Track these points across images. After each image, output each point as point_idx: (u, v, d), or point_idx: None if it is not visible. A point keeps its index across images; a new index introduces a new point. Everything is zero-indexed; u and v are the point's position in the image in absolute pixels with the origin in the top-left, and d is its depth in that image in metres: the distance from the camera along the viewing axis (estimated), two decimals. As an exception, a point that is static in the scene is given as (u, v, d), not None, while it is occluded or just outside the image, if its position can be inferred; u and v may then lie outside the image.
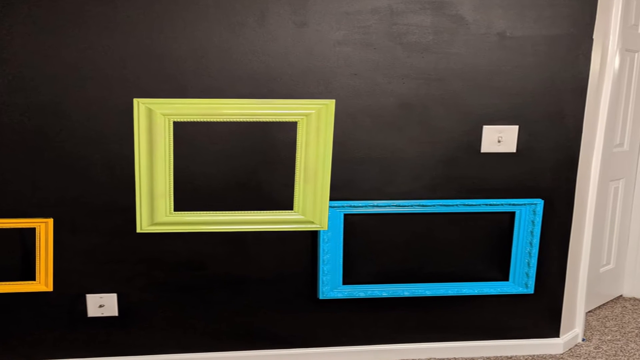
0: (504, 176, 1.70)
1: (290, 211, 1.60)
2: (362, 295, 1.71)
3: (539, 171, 1.71)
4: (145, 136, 1.56)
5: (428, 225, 1.70)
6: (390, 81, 1.60)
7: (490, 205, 1.69)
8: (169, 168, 1.58)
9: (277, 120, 1.56)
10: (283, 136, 1.60)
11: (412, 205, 1.66)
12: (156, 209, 1.60)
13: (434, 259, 1.72)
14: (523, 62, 1.63)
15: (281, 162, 1.61)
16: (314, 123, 1.56)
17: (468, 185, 1.70)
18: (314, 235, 1.66)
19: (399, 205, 1.65)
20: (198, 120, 1.55)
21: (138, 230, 1.61)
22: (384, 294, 1.72)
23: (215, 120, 1.55)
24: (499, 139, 1.65)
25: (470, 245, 1.72)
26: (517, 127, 1.67)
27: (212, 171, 1.62)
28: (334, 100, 1.52)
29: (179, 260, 1.68)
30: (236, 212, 1.60)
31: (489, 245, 1.73)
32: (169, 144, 1.56)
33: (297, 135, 1.57)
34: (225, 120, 1.53)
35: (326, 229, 1.60)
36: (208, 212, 1.60)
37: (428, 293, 1.74)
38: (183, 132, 1.59)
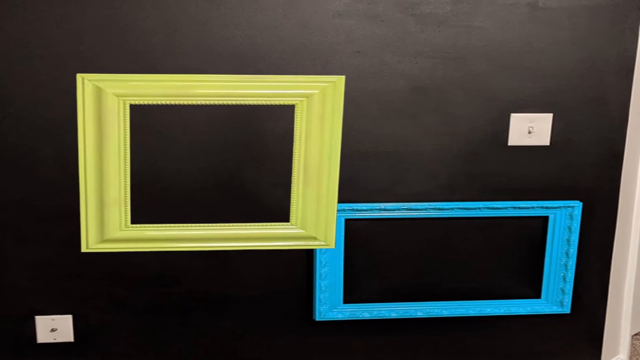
0: (535, 174, 1.64)
1: (285, 224, 1.50)
2: (366, 316, 1.65)
3: (577, 168, 1.64)
4: (93, 124, 1.43)
5: (445, 233, 1.63)
6: (401, 60, 1.53)
7: (519, 208, 1.62)
8: (125, 167, 1.44)
9: (269, 103, 1.43)
10: (273, 125, 1.52)
11: (426, 209, 1.60)
12: (107, 221, 1.48)
13: (452, 272, 1.66)
14: (558, 37, 1.56)
15: (270, 157, 1.53)
16: (316, 107, 1.44)
17: (493, 184, 1.63)
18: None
19: (411, 209, 1.59)
20: (163, 102, 1.40)
21: (83, 250, 1.52)
22: (393, 315, 1.66)
23: (186, 102, 1.39)
24: (530, 129, 1.58)
25: (496, 256, 1.66)
26: (551, 115, 1.60)
27: (187, 167, 1.53)
28: (343, 77, 1.42)
29: (148, 274, 1.61)
30: (215, 225, 1.52)
31: (518, 256, 1.67)
32: (125, 135, 1.42)
33: (295, 123, 1.43)
34: (199, 103, 1.37)
35: (333, 246, 1.51)
36: (177, 225, 1.50)
37: (445, 313, 1.67)
38: (149, 119, 1.49)
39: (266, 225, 1.52)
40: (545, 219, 1.64)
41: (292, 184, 1.49)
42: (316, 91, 1.45)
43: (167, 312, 1.64)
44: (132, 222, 1.50)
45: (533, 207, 1.63)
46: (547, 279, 1.68)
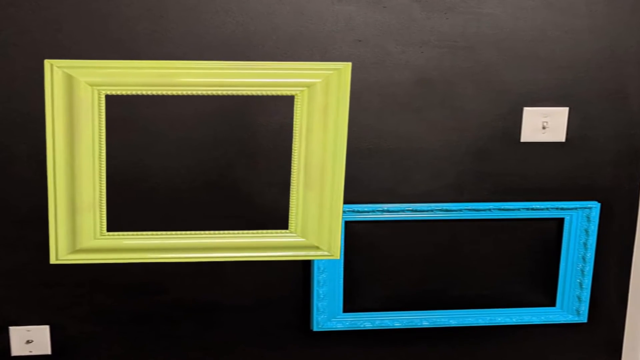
0: (550, 172, 1.62)
1: (283, 231, 1.44)
2: (368, 326, 1.64)
3: (595, 166, 1.63)
4: (63, 117, 1.35)
5: (453, 236, 1.62)
6: (405, 50, 1.50)
7: (533, 209, 1.61)
8: (99, 166, 1.35)
9: (265, 93, 1.35)
10: (267, 120, 1.48)
11: (432, 210, 1.58)
12: (80, 229, 1.41)
13: (460, 279, 1.65)
14: (575, 25, 1.54)
15: (264, 154, 1.50)
16: (319, 98, 1.37)
17: (504, 184, 1.61)
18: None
19: (416, 210, 1.58)
20: (144, 92, 1.31)
21: (52, 261, 1.46)
22: (397, 325, 1.65)
23: (171, 93, 1.31)
24: (544, 124, 1.57)
25: (507, 261, 1.65)
26: (566, 109, 1.58)
27: (174, 165, 1.50)
28: (349, 64, 1.36)
29: (132, 281, 1.57)
30: (204, 233, 1.46)
31: (531, 261, 1.66)
32: (99, 130, 1.34)
33: (295, 117, 1.35)
34: (186, 93, 1.29)
35: (339, 257, 1.46)
36: (161, 232, 1.43)
37: (453, 323, 1.66)
38: (132, 112, 1.45)
39: (262, 233, 1.46)
40: (560, 221, 1.64)
41: (291, 186, 1.43)
42: (319, 80, 1.37)
43: (153, 322, 1.61)
44: (109, 229, 1.43)
45: (547, 209, 1.61)
46: (563, 285, 1.67)
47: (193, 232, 1.45)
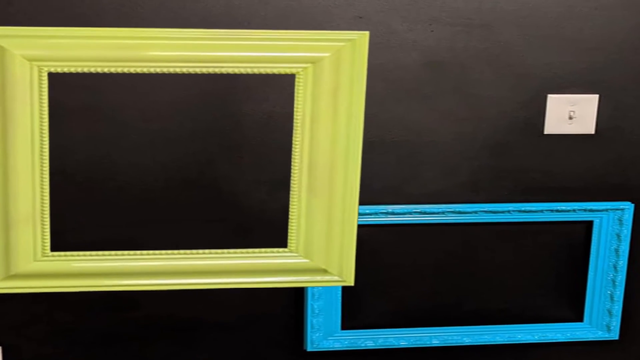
0: (577, 169, 1.58)
1: (281, 251, 1.26)
2: (370, 345, 1.60)
3: (628, 162, 1.59)
4: None
5: (467, 242, 1.59)
6: (413, 28, 1.45)
7: (557, 211, 1.57)
8: (41, 166, 1.15)
9: (256, 71, 1.18)
10: (255, 108, 1.44)
11: (443, 212, 1.55)
12: (14, 248, 1.20)
13: (475, 291, 1.63)
14: (606, 1, 1.49)
15: (250, 148, 1.47)
16: (327, 78, 1.19)
17: (525, 182, 1.57)
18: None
19: (425, 212, 1.54)
20: (101, 69, 1.11)
21: None
22: (403, 344, 1.61)
23: (135, 70, 1.11)
24: (571, 114, 1.54)
25: (528, 271, 1.62)
26: (596, 96, 1.54)
27: (146, 161, 1.45)
28: (366, 34, 1.22)
29: (99, 296, 1.49)
30: (179, 252, 1.28)
31: (555, 271, 1.63)
32: (40, 118, 1.14)
33: (296, 102, 1.19)
34: (156, 70, 1.10)
35: (352, 283, 1.30)
36: (122, 253, 1.24)
37: (467, 341, 1.62)
38: (97, 99, 1.39)
39: (254, 253, 1.28)
40: (589, 225, 1.60)
41: (291, 192, 1.24)
42: (326, 54, 1.18)
43: (123, 342, 1.55)
44: (55, 247, 1.23)
45: (574, 210, 1.58)
46: (591, 298, 1.64)
47: (166, 251, 1.24)
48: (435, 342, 1.61)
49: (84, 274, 1.23)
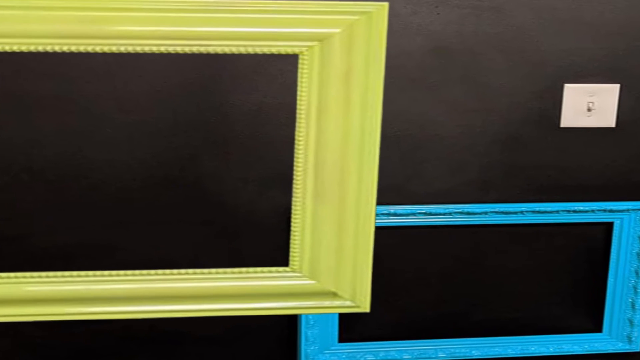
0: (596, 165, 1.56)
1: (282, 270, 1.11)
2: (370, 359, 1.59)
3: None
4: None
5: (476, 245, 1.57)
6: (417, 10, 1.42)
7: (575, 212, 1.56)
8: None
9: (251, 50, 0.96)
10: (243, 99, 1.39)
11: (450, 214, 1.52)
12: None
13: (485, 299, 1.61)
14: None
15: (238, 143, 1.43)
16: (338, 58, 1.05)
17: (540, 180, 1.55)
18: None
19: (430, 214, 1.52)
20: (60, 49, 1.00)
21: None
22: (406, 357, 1.60)
23: (104, 49, 0.99)
24: (590, 105, 1.51)
25: (543, 277, 1.61)
26: (617, 86, 1.51)
27: (123, 157, 1.42)
28: (385, 5, 1.10)
29: None
30: (158, 272, 1.12)
31: (572, 276, 1.62)
32: None
33: (300, 89, 0.96)
34: (127, 50, 0.97)
35: (368, 309, 1.16)
36: (87, 273, 1.07)
37: (476, 354, 1.61)
38: (68, 88, 1.34)
39: (249, 273, 1.04)
40: (608, 226, 1.58)
41: (293, 199, 1.04)
42: (337, 30, 1.01)
43: (97, 357, 1.51)
44: (16, 252, 1.10)
45: (593, 210, 1.55)
46: (611, 306, 1.61)
47: (140, 272, 1.02)
48: (442, 356, 1.59)
49: (40, 300, 1.08)
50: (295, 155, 1.09)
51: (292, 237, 1.08)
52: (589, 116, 1.51)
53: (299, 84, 1.03)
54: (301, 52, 1.03)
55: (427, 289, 1.56)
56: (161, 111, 1.37)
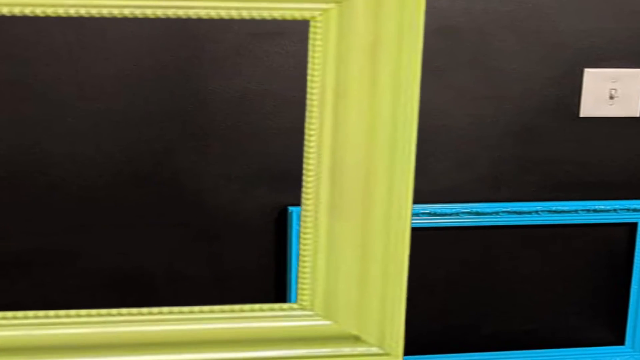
0: (619, 159, 1.50)
1: (288, 307, 0.90)
2: None
3: None
4: None
5: (487, 248, 1.52)
6: None
7: (595, 211, 1.51)
8: None
9: (248, 15, 0.83)
10: (224, 85, 1.32)
11: (458, 214, 1.48)
12: None
13: (496, 308, 1.56)
14: None
15: (218, 135, 1.36)
16: (362, 26, 0.87)
17: (557, 176, 1.50)
18: (284, 257, 1.46)
19: (436, 214, 1.48)
20: (2, 11, 0.90)
21: None
22: None
23: (48, 12, 0.88)
24: (612, 93, 1.45)
25: (559, 284, 1.55)
26: None
27: (88, 151, 1.34)
28: None
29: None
30: (131, 312, 0.88)
31: (592, 283, 1.57)
32: None
33: (311, 65, 0.81)
34: (79, 13, 0.83)
35: (401, 357, 0.97)
36: (37, 313, 0.73)
37: None
38: (24, 71, 1.27)
39: (244, 312, 0.90)
40: (632, 227, 1.52)
41: (302, 213, 0.89)
42: None
43: None
44: None
45: (615, 210, 1.50)
46: (635, 316, 1.55)
47: (108, 311, 0.88)
48: (449, 372, 1.52)
49: (10, 348, 0.85)
50: (305, 155, 0.89)
51: (301, 264, 0.88)
52: (611, 104, 1.45)
53: (310, 60, 0.82)
54: (313, 17, 0.83)
55: (432, 298, 1.50)
56: (131, 98, 1.29)
